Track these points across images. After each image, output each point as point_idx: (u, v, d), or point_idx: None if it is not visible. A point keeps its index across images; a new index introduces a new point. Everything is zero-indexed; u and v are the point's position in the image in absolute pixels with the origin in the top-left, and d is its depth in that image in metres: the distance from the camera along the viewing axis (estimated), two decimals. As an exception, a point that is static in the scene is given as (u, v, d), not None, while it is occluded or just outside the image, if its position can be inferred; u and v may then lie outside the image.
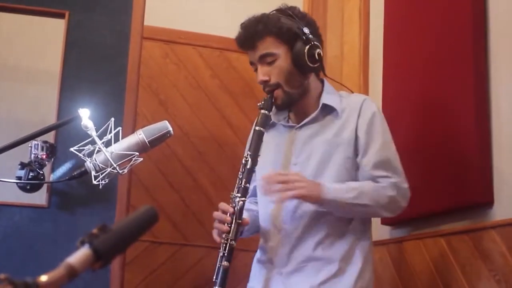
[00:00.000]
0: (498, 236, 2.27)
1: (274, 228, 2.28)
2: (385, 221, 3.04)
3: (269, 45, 2.23)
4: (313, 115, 2.31)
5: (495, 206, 2.37)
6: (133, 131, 2.45)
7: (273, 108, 2.29)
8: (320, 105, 2.30)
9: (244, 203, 2.13)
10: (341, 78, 3.70)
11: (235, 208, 2.10)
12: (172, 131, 2.17)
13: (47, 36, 3.26)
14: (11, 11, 3.14)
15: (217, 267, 2.06)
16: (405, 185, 2.23)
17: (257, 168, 2.25)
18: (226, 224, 2.10)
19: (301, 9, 3.23)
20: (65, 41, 3.14)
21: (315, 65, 2.26)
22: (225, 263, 2.04)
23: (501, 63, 2.43)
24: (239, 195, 2.12)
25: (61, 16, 3.16)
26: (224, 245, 2.07)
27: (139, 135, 2.12)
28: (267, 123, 2.24)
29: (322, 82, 2.38)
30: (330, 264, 2.19)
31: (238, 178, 2.17)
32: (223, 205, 2.14)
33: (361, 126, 2.25)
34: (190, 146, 4.21)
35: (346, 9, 3.81)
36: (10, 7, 3.12)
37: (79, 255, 0.84)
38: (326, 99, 2.31)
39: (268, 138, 2.30)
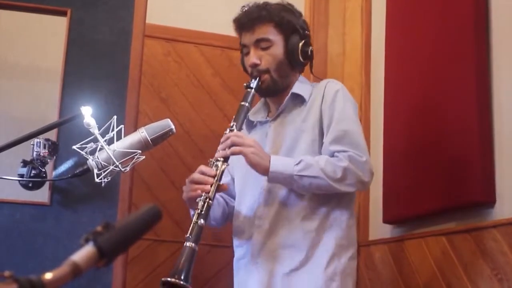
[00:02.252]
0: (499, 235, 2.27)
1: (248, 220, 2.31)
2: (386, 220, 3.04)
3: (268, 32, 2.31)
4: (282, 105, 2.36)
5: (497, 205, 2.37)
6: (135, 129, 2.45)
7: (255, 107, 2.38)
8: (289, 95, 2.36)
9: (226, 167, 2.15)
10: (343, 75, 3.70)
11: (217, 170, 2.11)
12: (174, 129, 2.17)
13: (49, 33, 3.26)
14: (13, 8, 3.14)
15: (192, 223, 2.02)
16: (363, 158, 2.18)
17: (235, 167, 2.39)
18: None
19: (303, 7, 3.23)
20: (67, 39, 3.14)
21: (305, 61, 2.36)
22: (201, 221, 2.01)
23: (503, 60, 2.43)
24: (221, 159, 2.14)
25: (63, 13, 3.16)
26: (202, 202, 2.05)
27: (142, 133, 2.12)
28: (251, 101, 2.29)
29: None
30: (300, 252, 2.20)
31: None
32: (204, 167, 2.15)
33: (324, 108, 2.29)
34: (191, 144, 4.21)
35: (348, 6, 3.80)
36: (12, 5, 3.12)
37: (84, 252, 0.83)
38: (296, 88, 2.36)
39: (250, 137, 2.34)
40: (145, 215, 0.94)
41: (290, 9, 2.37)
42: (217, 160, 2.14)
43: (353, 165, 2.16)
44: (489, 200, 2.37)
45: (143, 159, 2.14)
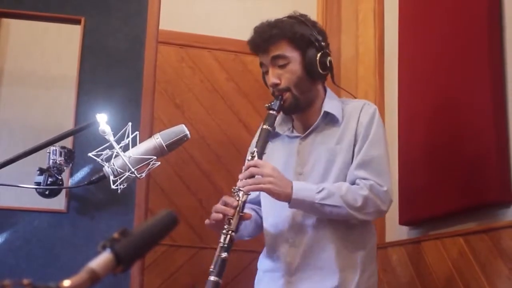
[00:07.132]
0: (517, 235, 2.26)
1: (283, 238, 2.30)
2: (403, 222, 3.03)
3: (283, 49, 2.27)
4: (315, 124, 2.33)
5: (513, 205, 2.36)
6: (150, 135, 2.46)
7: (278, 118, 2.33)
8: (322, 113, 2.33)
9: (247, 197, 2.13)
10: (356, 79, 3.70)
11: (239, 201, 2.10)
12: (189, 135, 2.18)
13: (63, 42, 3.28)
14: (28, 18, 3.16)
15: (216, 257, 2.03)
16: (384, 188, 2.20)
17: None
18: (227, 216, 2.10)
19: (315, 11, 3.22)
20: (81, 47, 3.15)
21: (325, 73, 2.32)
22: (224, 254, 2.02)
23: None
24: (243, 189, 2.12)
25: (77, 22, 3.18)
26: (224, 236, 2.05)
27: (157, 139, 2.13)
28: (274, 123, 2.27)
29: (325, 89, 2.42)
30: (333, 274, 2.21)
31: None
32: (227, 197, 2.14)
33: (359, 131, 2.27)
34: (207, 150, 4.22)
35: (361, 10, 3.80)
36: (27, 14, 3.14)
37: (101, 259, 0.84)
38: (327, 106, 2.33)
39: (273, 148, 2.35)
40: (161, 220, 0.94)
41: (302, 21, 2.31)
42: (239, 190, 2.12)
43: (373, 194, 2.17)
44: (506, 200, 2.36)
45: (159, 165, 2.15)
